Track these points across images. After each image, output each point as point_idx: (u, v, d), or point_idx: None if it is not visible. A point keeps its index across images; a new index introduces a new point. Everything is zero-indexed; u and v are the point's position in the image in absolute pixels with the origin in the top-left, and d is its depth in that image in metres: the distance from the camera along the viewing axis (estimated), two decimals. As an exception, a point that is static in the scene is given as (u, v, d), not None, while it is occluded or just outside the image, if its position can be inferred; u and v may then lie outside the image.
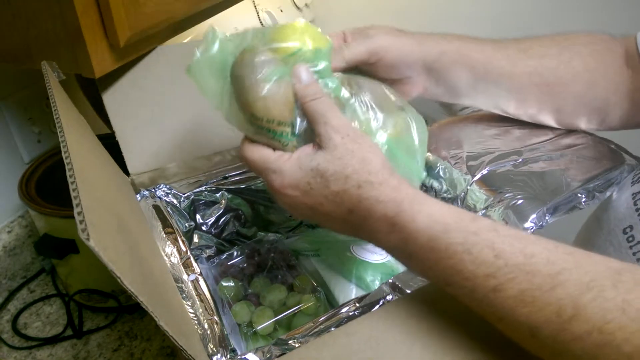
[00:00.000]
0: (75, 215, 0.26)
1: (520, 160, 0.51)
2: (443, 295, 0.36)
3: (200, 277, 0.43)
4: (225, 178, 0.58)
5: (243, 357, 0.36)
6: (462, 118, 0.61)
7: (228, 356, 0.37)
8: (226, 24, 0.90)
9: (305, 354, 0.35)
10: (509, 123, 0.57)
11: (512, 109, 0.55)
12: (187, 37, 0.80)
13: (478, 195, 0.50)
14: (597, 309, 0.27)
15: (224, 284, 0.55)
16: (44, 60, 0.43)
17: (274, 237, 0.63)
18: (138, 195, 0.54)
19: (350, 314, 0.38)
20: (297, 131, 0.40)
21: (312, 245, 0.59)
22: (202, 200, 0.58)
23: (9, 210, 0.73)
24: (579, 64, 0.50)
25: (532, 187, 0.48)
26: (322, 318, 0.38)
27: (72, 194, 0.27)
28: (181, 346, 0.30)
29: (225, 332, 0.39)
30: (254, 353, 0.36)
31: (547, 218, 0.45)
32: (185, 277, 0.43)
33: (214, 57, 0.41)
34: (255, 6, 0.98)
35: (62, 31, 0.47)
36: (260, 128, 0.41)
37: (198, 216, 0.58)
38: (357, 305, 0.39)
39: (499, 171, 0.51)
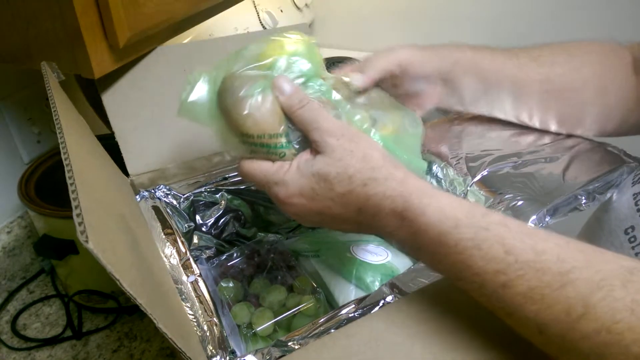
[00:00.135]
0: (74, 217, 0.26)
1: (520, 161, 0.51)
2: (443, 297, 0.36)
3: (199, 279, 0.43)
4: (225, 179, 0.58)
5: (242, 358, 0.36)
6: (462, 118, 0.61)
7: (227, 358, 0.37)
8: (226, 24, 0.90)
9: (304, 356, 0.35)
10: (509, 125, 0.57)
11: (523, 117, 0.55)
12: (187, 37, 0.80)
13: (478, 196, 0.50)
14: (607, 309, 0.27)
15: (224, 284, 0.55)
16: (43, 61, 0.43)
17: (274, 237, 0.63)
18: (137, 196, 0.53)
19: (350, 315, 0.38)
20: (292, 138, 0.40)
21: (312, 246, 0.59)
22: (201, 201, 0.58)
23: (9, 210, 0.73)
24: (589, 71, 0.51)
25: (532, 188, 0.48)
26: (322, 319, 0.38)
27: (71, 196, 0.27)
28: (180, 348, 0.29)
29: (225, 334, 0.39)
30: (254, 355, 0.36)
31: (547, 219, 0.45)
32: (184, 278, 0.43)
33: (197, 101, 0.42)
34: (255, 6, 0.98)
35: (61, 31, 0.47)
36: (254, 145, 0.41)
37: (198, 217, 0.58)
38: (357, 306, 0.39)
39: (499, 172, 0.51)
